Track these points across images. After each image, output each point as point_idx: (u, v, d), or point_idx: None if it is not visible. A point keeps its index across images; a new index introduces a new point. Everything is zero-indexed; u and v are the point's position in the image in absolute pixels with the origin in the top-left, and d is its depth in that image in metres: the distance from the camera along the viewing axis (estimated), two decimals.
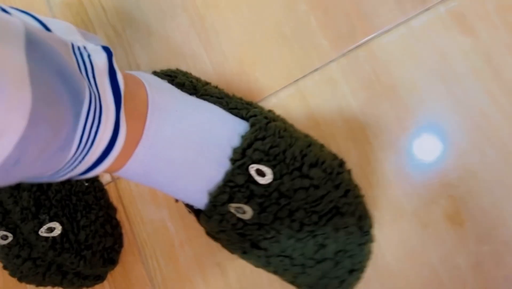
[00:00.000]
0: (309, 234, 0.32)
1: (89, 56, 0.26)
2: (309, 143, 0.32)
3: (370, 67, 0.36)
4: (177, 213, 0.40)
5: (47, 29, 0.25)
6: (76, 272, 0.38)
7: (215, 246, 0.38)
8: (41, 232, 0.36)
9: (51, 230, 0.36)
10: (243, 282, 0.38)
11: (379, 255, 0.35)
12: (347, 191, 0.32)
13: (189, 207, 0.34)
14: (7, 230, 0.36)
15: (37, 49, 0.21)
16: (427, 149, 0.34)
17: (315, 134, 0.35)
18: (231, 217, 0.32)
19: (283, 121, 0.35)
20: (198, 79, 0.37)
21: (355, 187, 0.33)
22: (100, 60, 0.26)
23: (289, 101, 0.38)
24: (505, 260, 0.32)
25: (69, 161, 0.24)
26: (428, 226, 0.34)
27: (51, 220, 0.36)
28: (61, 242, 0.36)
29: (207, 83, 0.37)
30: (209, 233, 0.35)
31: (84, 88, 0.24)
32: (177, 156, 0.30)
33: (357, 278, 0.33)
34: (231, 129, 0.32)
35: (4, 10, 0.22)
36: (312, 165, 0.31)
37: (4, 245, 0.37)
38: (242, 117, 0.33)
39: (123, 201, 0.42)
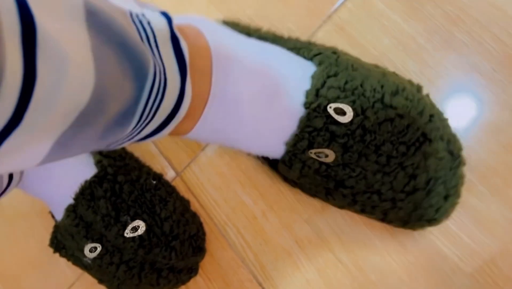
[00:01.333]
0: (398, 166, 0.31)
1: (149, 23, 0.23)
2: (383, 72, 0.31)
3: None
4: (250, 183, 0.39)
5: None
6: (169, 267, 0.38)
7: (298, 204, 0.37)
8: (127, 234, 0.36)
9: (135, 229, 0.36)
10: (338, 232, 0.36)
11: None
12: (431, 116, 0.30)
13: (264, 158, 0.33)
14: (93, 241, 0.36)
15: (98, 20, 0.19)
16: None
17: (369, 60, 0.34)
18: (312, 162, 0.30)
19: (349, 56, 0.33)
20: (249, 26, 0.36)
21: (438, 111, 0.32)
22: (160, 27, 0.24)
23: (330, 37, 0.37)
24: None
25: (129, 132, 0.24)
26: None
27: (133, 220, 0.36)
28: (148, 238, 0.36)
29: (259, 29, 0.35)
30: (287, 179, 0.33)
31: (148, 60, 0.22)
32: (248, 110, 0.29)
33: (453, 204, 0.31)
34: (299, 71, 0.30)
35: None
36: (394, 93, 0.29)
37: (95, 258, 0.36)
38: (304, 58, 0.32)
39: (193, 191, 0.42)
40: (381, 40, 0.35)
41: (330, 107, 0.28)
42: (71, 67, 0.17)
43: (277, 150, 0.31)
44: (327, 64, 0.30)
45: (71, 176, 0.38)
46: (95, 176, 0.37)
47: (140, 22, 0.23)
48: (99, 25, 0.19)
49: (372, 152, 0.30)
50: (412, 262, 0.33)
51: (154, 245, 0.36)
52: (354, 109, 0.28)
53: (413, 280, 0.33)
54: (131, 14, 0.23)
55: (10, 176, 0.37)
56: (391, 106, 0.29)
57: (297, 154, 0.30)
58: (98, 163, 0.38)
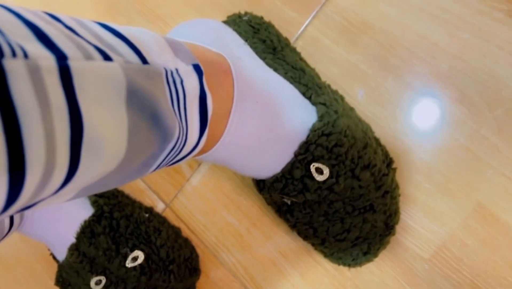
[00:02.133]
0: (338, 219, 0.36)
1: (182, 82, 0.25)
2: (366, 143, 0.34)
3: (340, 17, 0.42)
4: (233, 205, 0.44)
5: (143, 59, 0.22)
6: None
7: (278, 218, 0.42)
8: (128, 264, 0.40)
9: (135, 259, 0.40)
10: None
11: None
12: (386, 192, 0.35)
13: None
14: (98, 275, 0.40)
15: (136, 98, 0.21)
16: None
17: None
18: (280, 198, 0.36)
19: (347, 110, 0.36)
20: (279, 36, 0.39)
21: (395, 188, 0.36)
22: (191, 85, 0.26)
23: None
24: None
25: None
26: None
27: (132, 251, 0.40)
28: (148, 266, 0.40)
29: (286, 44, 0.39)
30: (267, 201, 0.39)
31: (175, 128, 0.24)
32: (251, 148, 0.32)
33: (369, 260, 0.38)
34: (301, 119, 0.33)
35: (107, 57, 0.19)
36: (364, 167, 0.33)
37: None
38: (310, 98, 0.35)
39: (183, 219, 0.46)
40: (330, 70, 0.42)
41: (313, 165, 0.32)
42: (107, 149, 0.19)
43: (264, 176, 0.35)
44: (326, 122, 0.33)
45: (70, 218, 0.42)
46: (93, 215, 0.41)
47: (174, 82, 0.24)
48: (137, 103, 0.21)
49: (325, 204, 0.35)
50: (381, 257, 0.39)
51: (154, 271, 0.40)
52: (330, 172, 0.32)
53: (383, 272, 0.39)
54: (166, 74, 0.24)
55: (11, 220, 0.40)
56: (357, 178, 0.33)
57: (271, 190, 0.35)
58: (94, 203, 0.42)
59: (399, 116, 0.39)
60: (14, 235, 0.53)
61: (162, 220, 0.45)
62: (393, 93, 0.39)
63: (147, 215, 0.44)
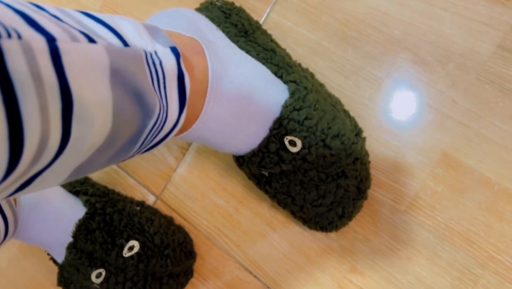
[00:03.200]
0: (314, 187, 0.39)
1: (160, 63, 0.27)
2: (334, 115, 0.37)
3: (298, 0, 0.45)
4: (219, 187, 0.46)
5: (124, 42, 0.24)
6: (168, 274, 0.43)
7: (263, 194, 0.44)
8: (125, 254, 0.42)
9: (131, 248, 0.42)
10: None
11: None
12: (356, 159, 0.38)
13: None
14: (97, 268, 0.42)
15: (119, 76, 0.22)
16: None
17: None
18: (258, 171, 0.39)
19: (316, 86, 0.39)
20: (250, 20, 0.41)
21: (364, 155, 0.39)
22: (170, 66, 0.28)
23: None
24: None
25: (131, 154, 0.29)
26: None
27: (127, 241, 0.42)
28: (144, 253, 0.42)
29: (257, 27, 0.41)
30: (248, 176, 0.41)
31: (155, 105, 0.26)
32: (229, 125, 0.34)
33: (344, 224, 0.40)
34: (274, 96, 0.36)
35: (91, 40, 0.21)
36: (334, 136, 0.36)
37: (102, 282, 0.42)
38: (281, 77, 0.37)
39: (174, 208, 0.48)
40: (296, 50, 0.45)
41: (286, 138, 0.35)
42: (96, 121, 0.21)
43: (243, 152, 0.38)
44: (296, 98, 0.35)
45: (66, 219, 0.44)
46: (87, 213, 0.43)
47: (153, 63, 0.26)
48: (120, 81, 0.23)
49: (300, 173, 0.38)
50: (361, 215, 0.41)
51: (151, 257, 0.42)
52: (302, 144, 0.35)
53: (365, 229, 0.41)
54: (146, 56, 0.26)
55: (6, 228, 0.41)
56: (328, 147, 0.36)
57: (249, 163, 0.38)
58: (86, 202, 0.44)
59: (363, 84, 0.42)
60: (12, 248, 0.54)
61: (154, 211, 0.47)
62: (354, 63, 0.42)
63: (138, 208, 0.46)
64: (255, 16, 0.46)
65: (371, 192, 0.41)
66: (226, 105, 0.34)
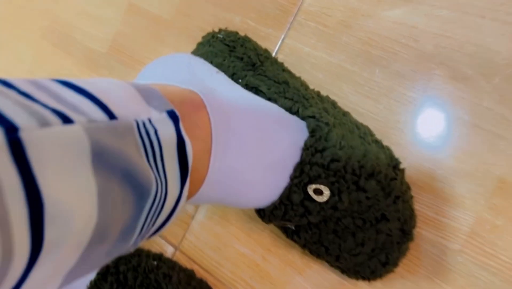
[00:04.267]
0: (350, 234, 0.34)
1: (156, 132, 0.23)
2: (365, 150, 0.32)
3: (314, 22, 0.41)
4: (243, 234, 0.42)
5: (110, 114, 0.21)
6: None
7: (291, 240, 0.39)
8: None
9: None
10: None
11: None
12: (396, 198, 0.32)
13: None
14: None
15: (103, 159, 0.19)
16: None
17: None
18: (283, 224, 0.34)
19: (339, 117, 0.34)
20: (257, 50, 0.37)
21: (406, 191, 0.33)
22: (167, 134, 0.24)
23: None
24: None
25: (133, 242, 0.25)
26: None
27: None
28: None
29: (266, 58, 0.37)
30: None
31: (151, 184, 0.22)
32: (241, 181, 0.30)
33: (389, 271, 0.35)
34: (291, 139, 0.31)
35: (66, 119, 0.18)
36: (369, 176, 0.31)
37: None
38: (297, 112, 0.33)
39: (195, 260, 0.43)
40: (315, 76, 0.40)
41: (310, 187, 0.30)
42: (76, 220, 0.18)
43: (263, 205, 0.33)
44: (318, 137, 0.30)
45: (75, 283, 0.40)
46: (98, 274, 0.39)
47: (147, 133, 0.23)
48: (105, 164, 0.19)
49: (332, 222, 0.33)
50: (409, 258, 0.36)
51: None
52: (331, 191, 0.30)
53: (415, 275, 0.36)
54: (138, 126, 0.22)
55: None
56: (363, 190, 0.31)
57: (271, 217, 0.33)
58: None
59: (395, 107, 0.37)
60: None
61: (172, 265, 0.42)
62: (383, 85, 0.38)
63: (155, 263, 0.42)
64: (268, 45, 0.42)
65: (417, 231, 0.36)
66: (235, 159, 0.29)
